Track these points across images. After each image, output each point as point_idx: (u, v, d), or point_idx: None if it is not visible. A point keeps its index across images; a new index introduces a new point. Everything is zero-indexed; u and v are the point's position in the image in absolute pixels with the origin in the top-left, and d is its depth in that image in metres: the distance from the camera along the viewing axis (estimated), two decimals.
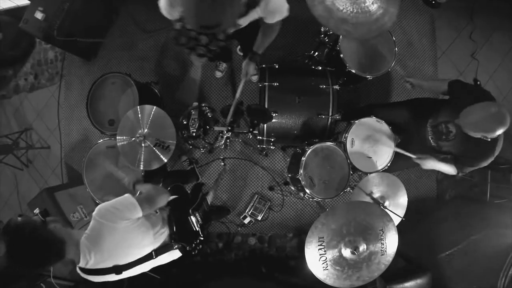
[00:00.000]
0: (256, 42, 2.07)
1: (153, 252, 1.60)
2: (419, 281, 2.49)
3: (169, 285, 2.88)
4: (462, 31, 3.57)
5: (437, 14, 3.55)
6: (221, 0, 1.20)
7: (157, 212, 1.75)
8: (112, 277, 1.49)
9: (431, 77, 3.48)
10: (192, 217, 1.76)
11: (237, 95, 2.26)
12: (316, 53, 2.92)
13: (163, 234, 1.68)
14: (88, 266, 1.43)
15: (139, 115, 2.26)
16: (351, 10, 1.81)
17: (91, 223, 1.45)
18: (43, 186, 3.68)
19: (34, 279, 2.67)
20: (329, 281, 1.74)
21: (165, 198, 1.70)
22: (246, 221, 3.16)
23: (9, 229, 1.28)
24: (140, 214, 1.53)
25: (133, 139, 2.24)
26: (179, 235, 1.68)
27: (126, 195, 1.56)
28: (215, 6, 1.20)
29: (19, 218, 1.31)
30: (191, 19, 1.25)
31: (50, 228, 1.33)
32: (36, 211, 2.70)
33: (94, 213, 1.47)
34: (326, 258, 1.73)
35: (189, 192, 2.16)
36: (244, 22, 1.77)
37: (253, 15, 1.73)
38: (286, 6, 1.75)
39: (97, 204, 2.61)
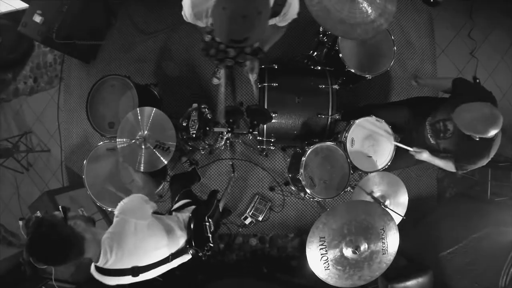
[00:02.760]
0: (262, 39, 2.08)
1: (170, 256, 1.63)
2: (420, 279, 2.49)
3: (170, 286, 2.88)
4: (461, 30, 3.57)
5: (436, 12, 3.55)
6: (251, 19, 1.26)
7: (171, 214, 1.80)
8: (128, 279, 1.48)
9: (430, 76, 3.49)
10: (206, 223, 1.78)
11: (255, 92, 2.27)
12: (315, 53, 2.92)
13: (181, 238, 1.70)
14: (107, 266, 1.41)
15: (139, 117, 2.26)
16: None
17: (114, 221, 1.48)
18: (43, 189, 3.68)
19: (36, 282, 2.67)
20: (330, 281, 1.74)
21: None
22: (247, 221, 3.16)
23: (29, 225, 1.31)
24: (154, 206, 1.64)
25: (133, 141, 2.23)
26: (195, 241, 1.71)
27: (135, 194, 1.64)
28: (246, 24, 1.27)
29: (36, 215, 1.34)
30: (222, 34, 1.32)
31: (70, 224, 1.34)
32: (38, 215, 2.71)
33: (116, 211, 1.50)
34: (328, 258, 1.73)
35: (203, 198, 2.19)
36: None
37: (270, 22, 1.78)
38: (297, 10, 1.79)
39: (98, 207, 2.64)
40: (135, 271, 1.48)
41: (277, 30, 1.95)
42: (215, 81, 3.32)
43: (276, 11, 1.67)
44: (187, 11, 1.66)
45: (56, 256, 1.28)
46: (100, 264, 1.40)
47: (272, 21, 1.76)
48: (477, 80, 2.15)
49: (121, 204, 1.55)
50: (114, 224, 1.47)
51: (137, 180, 1.95)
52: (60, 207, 1.39)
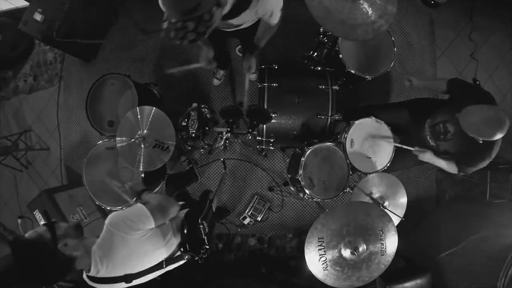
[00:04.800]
0: (256, 36, 2.08)
1: (163, 262, 1.60)
2: (418, 281, 2.49)
3: (168, 286, 2.88)
4: (461, 31, 3.57)
5: (436, 14, 3.55)
6: None
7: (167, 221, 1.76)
8: (121, 285, 1.47)
9: (430, 77, 3.49)
10: (200, 226, 1.74)
11: (246, 86, 2.23)
12: (315, 54, 2.92)
13: (174, 243, 1.67)
14: (99, 275, 1.40)
15: (139, 116, 2.26)
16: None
17: (103, 231, 1.43)
18: (42, 187, 3.67)
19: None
20: (329, 282, 1.74)
21: (176, 209, 1.67)
22: (246, 221, 3.16)
23: (18, 249, 1.25)
24: (153, 225, 1.49)
25: (133, 140, 2.23)
26: (190, 245, 1.67)
27: (139, 205, 1.52)
28: None
29: (27, 235, 1.27)
30: (171, 10, 1.26)
31: (60, 248, 1.29)
32: (37, 213, 2.69)
33: (106, 221, 1.43)
34: (326, 258, 1.73)
35: (197, 200, 2.15)
36: (238, 22, 1.78)
37: (246, 17, 1.75)
38: (279, 6, 1.76)
39: (96, 205, 2.63)
40: (128, 278, 1.46)
41: (268, 26, 1.94)
42: (216, 82, 3.32)
43: (242, 7, 1.65)
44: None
45: (46, 279, 1.29)
46: (92, 274, 1.39)
47: (246, 16, 1.73)
48: (477, 82, 2.15)
49: (112, 214, 1.47)
50: (102, 234, 1.42)
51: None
52: (45, 224, 1.34)
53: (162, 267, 1.60)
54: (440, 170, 2.23)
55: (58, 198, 2.94)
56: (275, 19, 1.82)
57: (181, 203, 1.94)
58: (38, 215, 2.86)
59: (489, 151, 1.93)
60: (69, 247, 1.32)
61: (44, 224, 1.34)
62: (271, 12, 1.76)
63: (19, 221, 2.52)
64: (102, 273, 1.39)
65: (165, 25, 1.32)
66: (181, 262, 1.72)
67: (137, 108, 2.27)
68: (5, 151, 3.55)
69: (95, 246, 1.39)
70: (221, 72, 3.28)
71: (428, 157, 2.15)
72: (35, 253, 1.23)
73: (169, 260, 1.64)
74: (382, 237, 1.78)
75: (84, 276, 1.44)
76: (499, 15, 3.55)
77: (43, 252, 1.25)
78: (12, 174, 3.81)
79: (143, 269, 1.52)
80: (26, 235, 1.28)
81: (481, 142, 1.82)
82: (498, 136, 1.76)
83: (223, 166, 3.02)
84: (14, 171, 3.77)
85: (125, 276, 1.45)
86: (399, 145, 2.29)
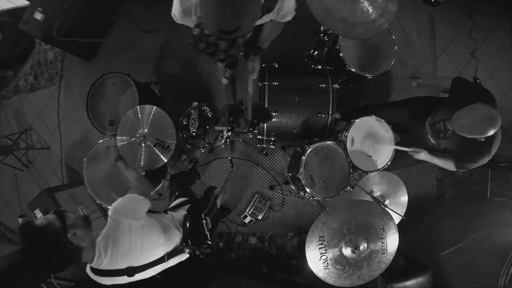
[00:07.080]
0: (260, 37, 2.07)
1: (165, 255, 1.62)
2: (419, 279, 2.49)
3: (169, 285, 2.88)
4: (461, 30, 3.56)
5: (437, 12, 3.55)
6: (242, 6, 1.16)
7: (167, 213, 1.78)
8: (124, 280, 1.49)
9: (433, 76, 3.48)
10: (203, 221, 1.77)
11: (250, 90, 2.22)
12: (316, 52, 2.91)
13: (176, 237, 1.69)
14: (102, 267, 1.42)
15: (139, 115, 2.26)
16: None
17: (108, 222, 1.46)
18: (43, 186, 3.68)
19: (35, 279, 2.67)
20: (330, 280, 1.74)
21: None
22: (247, 220, 3.16)
23: (28, 234, 1.27)
24: (149, 203, 1.60)
25: (133, 139, 2.24)
26: (192, 239, 1.70)
27: (132, 194, 1.59)
28: (235, 11, 1.16)
29: (37, 221, 1.29)
30: (211, 24, 1.21)
31: (69, 238, 1.31)
32: (38, 212, 2.69)
33: (109, 212, 1.48)
34: (327, 257, 1.73)
35: (201, 195, 2.17)
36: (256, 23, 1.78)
37: (266, 18, 1.75)
38: (294, 6, 1.76)
39: (97, 204, 2.64)
40: (130, 271, 1.48)
41: (276, 26, 1.94)
42: (225, 81, 3.30)
43: (270, 7, 1.64)
44: (175, 9, 1.62)
45: (54, 267, 1.31)
46: (94, 265, 1.42)
47: (266, 18, 1.73)
48: (478, 81, 2.15)
49: (114, 204, 1.52)
50: (108, 225, 1.46)
51: (131, 180, 1.85)
52: (55, 212, 1.36)
53: (164, 261, 1.62)
54: (441, 168, 2.23)
55: (59, 197, 2.95)
56: (290, 17, 1.82)
57: (184, 199, 1.95)
58: (39, 214, 2.87)
59: (488, 147, 1.93)
60: (78, 237, 1.34)
61: (53, 212, 1.37)
62: (288, 12, 1.76)
63: (20, 220, 2.52)
64: (105, 265, 1.41)
65: (196, 31, 1.29)
66: (183, 257, 1.73)
67: (138, 107, 2.27)
68: (5, 150, 3.55)
69: (99, 237, 1.42)
70: (229, 70, 3.26)
71: (423, 156, 2.18)
72: (45, 238, 1.26)
73: (171, 253, 1.66)
74: (383, 236, 1.78)
75: (88, 268, 1.46)
76: (499, 13, 3.55)
77: (52, 238, 1.27)
78: (13, 173, 3.82)
79: (146, 262, 1.54)
80: (36, 221, 1.31)
81: (483, 140, 1.83)
82: (491, 131, 1.77)
83: (230, 165, 3.03)
84: (15, 170, 3.77)
85: (127, 269, 1.47)
86: (396, 147, 2.31)
